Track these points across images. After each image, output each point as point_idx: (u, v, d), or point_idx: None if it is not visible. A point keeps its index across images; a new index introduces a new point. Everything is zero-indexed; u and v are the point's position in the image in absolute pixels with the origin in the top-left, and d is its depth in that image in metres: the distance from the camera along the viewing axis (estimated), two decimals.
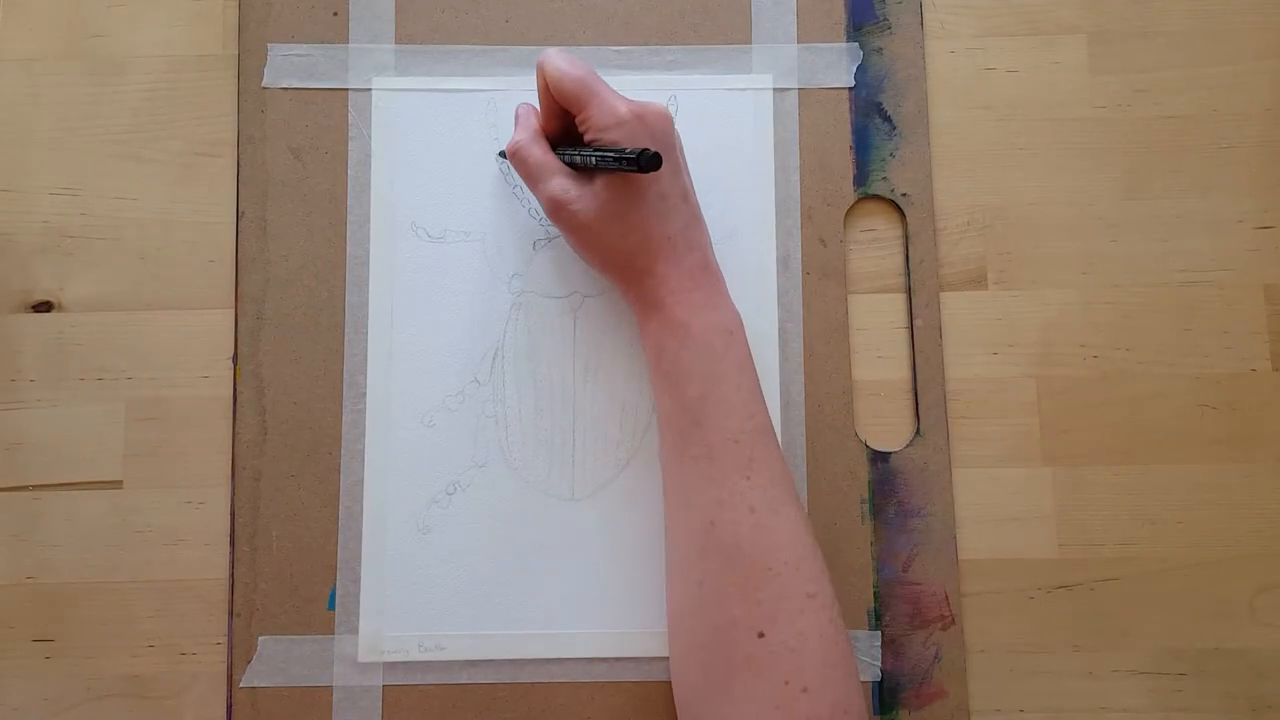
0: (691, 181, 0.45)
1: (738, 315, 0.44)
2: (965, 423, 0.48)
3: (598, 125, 0.42)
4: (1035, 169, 0.50)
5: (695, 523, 0.41)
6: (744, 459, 0.41)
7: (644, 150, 0.39)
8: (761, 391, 0.43)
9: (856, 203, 0.50)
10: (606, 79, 0.50)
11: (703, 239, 0.44)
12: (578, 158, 0.43)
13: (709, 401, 0.42)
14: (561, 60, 0.43)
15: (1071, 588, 0.48)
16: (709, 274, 0.44)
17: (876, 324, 0.49)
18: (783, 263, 0.49)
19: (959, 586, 0.47)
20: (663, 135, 0.42)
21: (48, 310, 0.49)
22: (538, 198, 0.44)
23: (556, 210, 0.43)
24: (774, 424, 0.48)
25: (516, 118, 0.46)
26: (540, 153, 0.44)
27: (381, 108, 0.50)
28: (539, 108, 0.45)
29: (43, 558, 0.48)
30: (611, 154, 0.40)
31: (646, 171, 0.39)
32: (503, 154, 0.49)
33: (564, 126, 0.45)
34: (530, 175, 0.44)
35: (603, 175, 0.42)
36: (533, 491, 0.48)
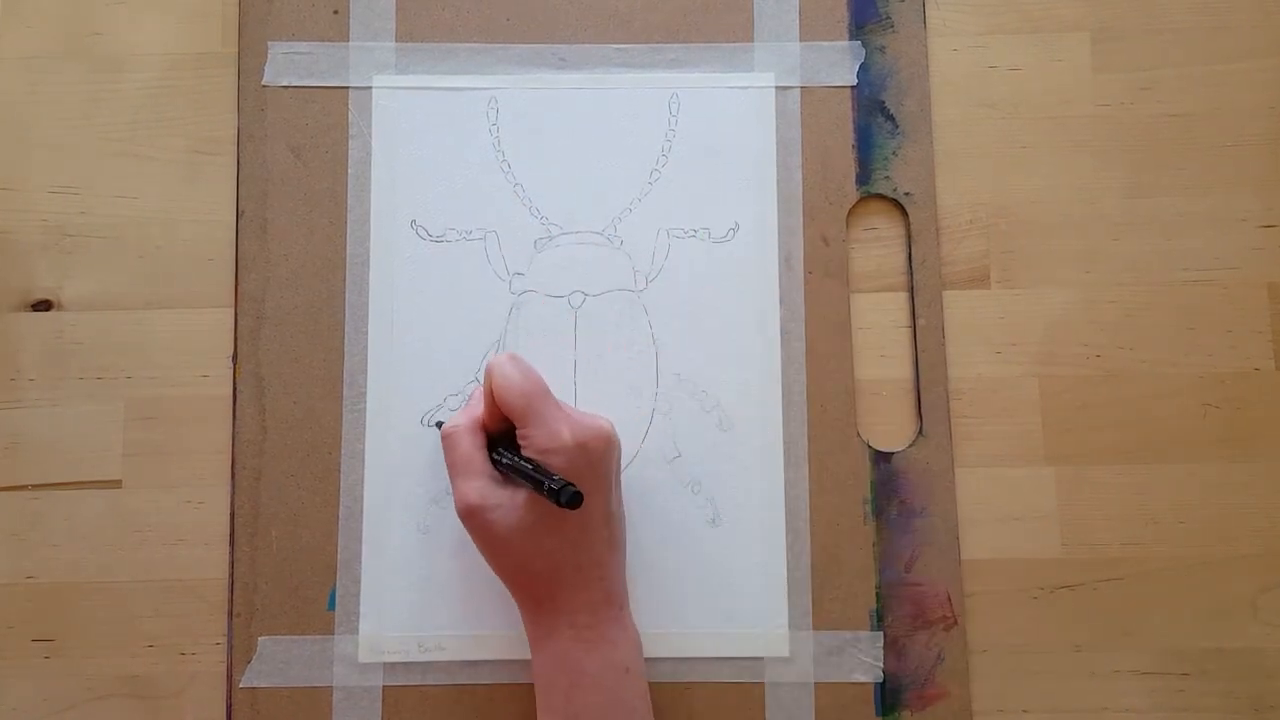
0: (620, 495, 0.43)
1: (637, 646, 0.42)
2: (968, 422, 0.48)
3: (538, 446, 0.40)
4: (1038, 167, 0.50)
5: None
6: None
7: (566, 485, 0.37)
8: None
9: (859, 201, 0.49)
10: (608, 77, 0.50)
11: (614, 565, 0.42)
12: (505, 464, 0.41)
13: None
14: (511, 369, 0.41)
15: (1074, 588, 0.47)
16: (610, 606, 0.42)
17: (879, 323, 0.49)
18: (785, 262, 0.49)
19: (961, 586, 0.47)
20: (601, 462, 0.41)
21: (47, 309, 0.49)
22: (454, 490, 0.42)
23: (470, 513, 0.41)
24: (776, 424, 0.48)
25: (469, 399, 0.45)
26: (470, 448, 0.42)
27: (382, 106, 0.49)
28: (484, 400, 0.43)
29: (42, 557, 0.48)
30: (539, 477, 0.39)
31: (565, 507, 0.38)
32: (439, 424, 0.46)
33: (508, 427, 0.42)
34: (454, 466, 0.42)
35: (526, 490, 0.40)
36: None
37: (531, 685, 0.46)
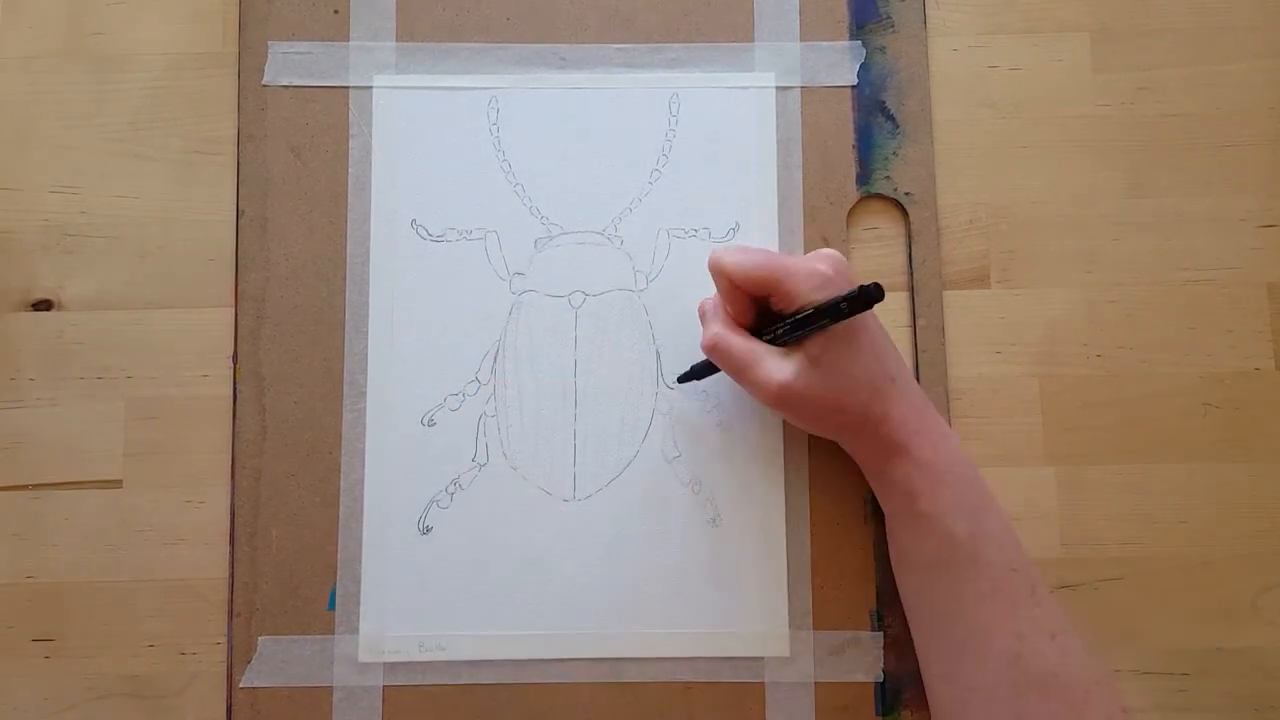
0: None
1: (954, 432, 0.44)
2: (968, 422, 0.48)
3: (803, 291, 0.41)
4: (1038, 167, 0.50)
5: (996, 660, 0.40)
6: (1027, 586, 0.41)
7: (864, 286, 0.38)
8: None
9: (859, 201, 0.49)
10: (608, 77, 0.50)
11: (907, 370, 0.44)
12: (795, 330, 0.41)
13: (980, 534, 0.41)
14: (736, 254, 0.42)
15: (1074, 587, 0.47)
16: (930, 405, 0.43)
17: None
18: None
19: None
20: (850, 273, 0.43)
21: (47, 309, 0.49)
22: (750, 387, 0.43)
23: (782, 392, 0.41)
24: (776, 424, 0.48)
25: (702, 314, 0.45)
26: (743, 340, 0.43)
27: (382, 106, 0.49)
28: (722, 304, 0.44)
29: (42, 557, 0.48)
30: (832, 306, 0.39)
31: (875, 302, 0.39)
32: (683, 378, 0.47)
33: (755, 314, 0.44)
34: (736, 365, 0.43)
35: (810, 342, 0.41)
36: (533, 491, 0.47)
37: (533, 685, 0.46)
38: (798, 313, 0.41)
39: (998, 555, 0.41)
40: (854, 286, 0.40)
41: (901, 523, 0.43)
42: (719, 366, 0.44)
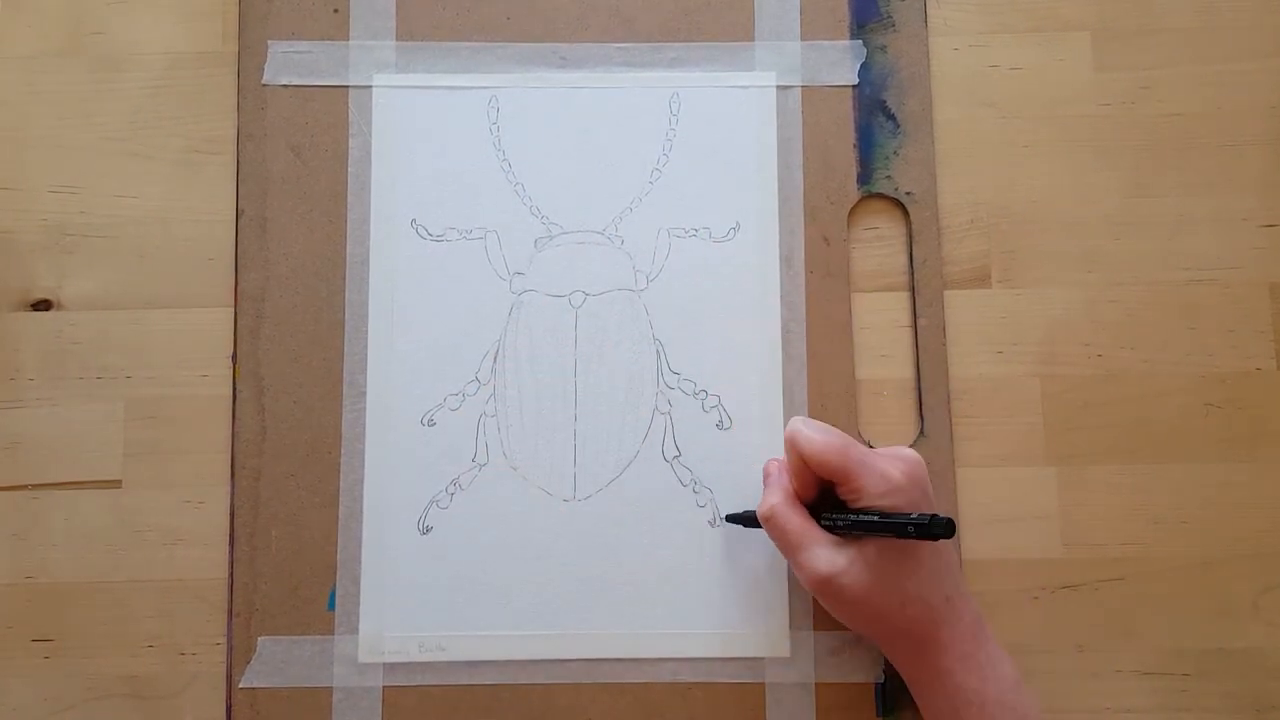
0: None
1: (1013, 662, 0.42)
2: (969, 422, 0.48)
3: (872, 494, 0.40)
4: (1039, 167, 0.50)
5: None
6: None
7: (935, 517, 0.37)
8: None
9: (860, 201, 0.49)
10: (609, 76, 0.50)
11: (966, 587, 0.42)
12: (854, 527, 0.40)
13: None
14: (814, 431, 0.41)
15: (1076, 587, 0.47)
16: (985, 629, 0.42)
17: (880, 323, 0.49)
18: (786, 261, 0.49)
19: None
20: (929, 488, 0.41)
21: (47, 309, 0.49)
22: (797, 568, 0.42)
23: (825, 584, 0.40)
24: (776, 424, 0.48)
25: (766, 477, 0.44)
26: (800, 520, 0.41)
27: (382, 105, 0.49)
28: (789, 473, 0.43)
29: (42, 557, 0.48)
30: (897, 522, 0.38)
31: (938, 539, 0.38)
32: (731, 518, 0.46)
33: (820, 491, 0.43)
34: (789, 544, 0.42)
35: (872, 541, 0.40)
36: (533, 491, 0.47)
37: (533, 686, 0.46)
38: (861, 512, 0.40)
39: None
40: (927, 503, 0.40)
41: None
42: (770, 538, 0.43)
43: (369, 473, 0.47)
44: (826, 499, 0.43)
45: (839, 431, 0.42)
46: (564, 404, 0.48)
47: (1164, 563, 0.47)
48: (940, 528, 0.37)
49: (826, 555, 0.40)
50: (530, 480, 0.47)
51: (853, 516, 0.40)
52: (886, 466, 0.40)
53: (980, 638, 0.41)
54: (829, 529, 0.41)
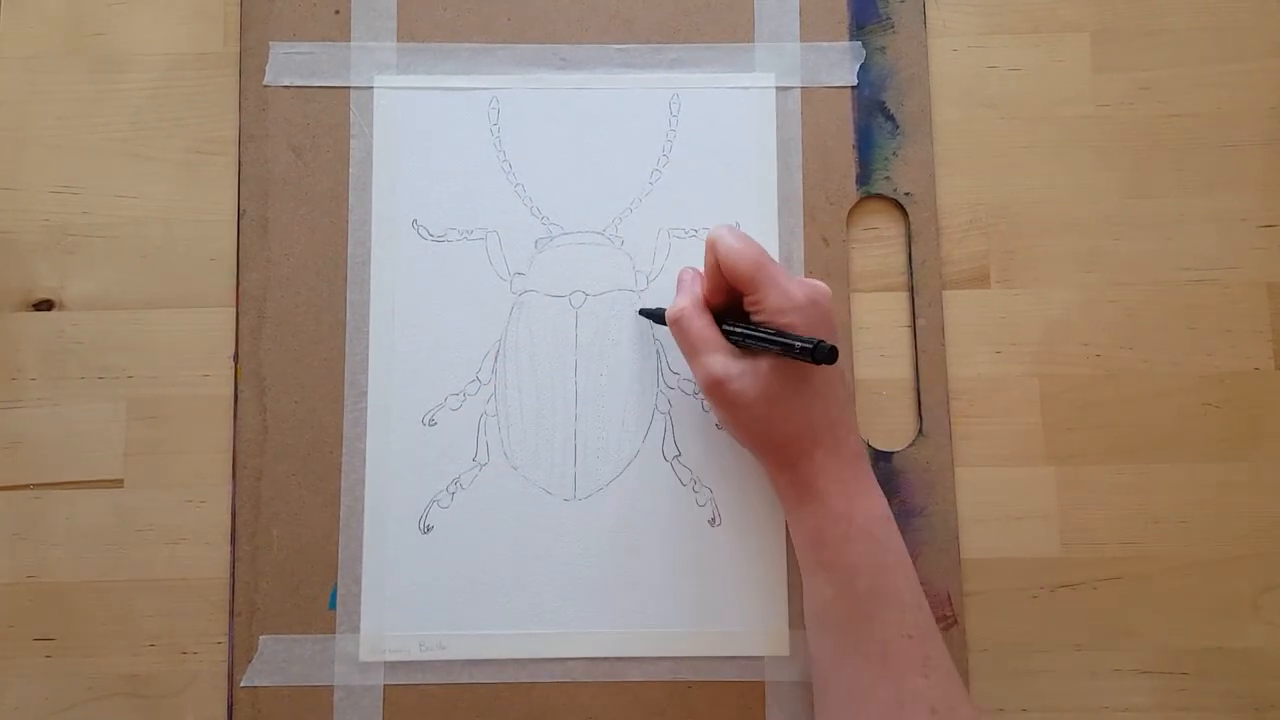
0: None
1: (886, 502, 0.43)
2: (968, 422, 0.48)
3: (772, 309, 0.41)
4: (1038, 167, 0.50)
5: None
6: (919, 656, 0.40)
7: (820, 343, 0.38)
8: (918, 581, 0.42)
9: (859, 202, 0.49)
10: (608, 77, 0.50)
11: (854, 420, 0.43)
12: (747, 339, 0.41)
13: (879, 595, 0.40)
14: (734, 239, 0.42)
15: (1074, 587, 0.47)
16: (863, 461, 0.43)
17: (879, 323, 0.49)
18: (785, 262, 0.49)
19: (961, 586, 0.47)
20: (830, 315, 0.42)
21: (48, 309, 0.49)
22: (694, 370, 0.43)
23: (715, 387, 0.41)
24: None
25: (680, 282, 0.45)
26: (703, 325, 0.43)
27: (383, 106, 0.50)
28: (704, 278, 0.44)
29: (43, 557, 0.48)
30: (784, 341, 0.39)
31: (820, 364, 0.38)
32: (644, 312, 0.48)
33: (729, 300, 0.44)
34: (690, 346, 0.43)
35: (768, 356, 0.41)
36: (534, 491, 0.47)
37: (533, 685, 0.46)
38: (758, 326, 0.42)
39: (894, 619, 0.40)
40: (826, 330, 0.41)
41: (807, 568, 0.43)
42: (675, 339, 0.44)
43: (370, 472, 0.47)
44: (734, 311, 0.44)
45: (759, 245, 0.42)
46: (564, 404, 0.48)
47: (1163, 562, 0.48)
48: (824, 353, 0.38)
49: (722, 361, 0.41)
50: (531, 480, 0.48)
51: (749, 329, 0.42)
52: (791, 285, 0.41)
53: (856, 468, 0.42)
54: (727, 335, 0.42)
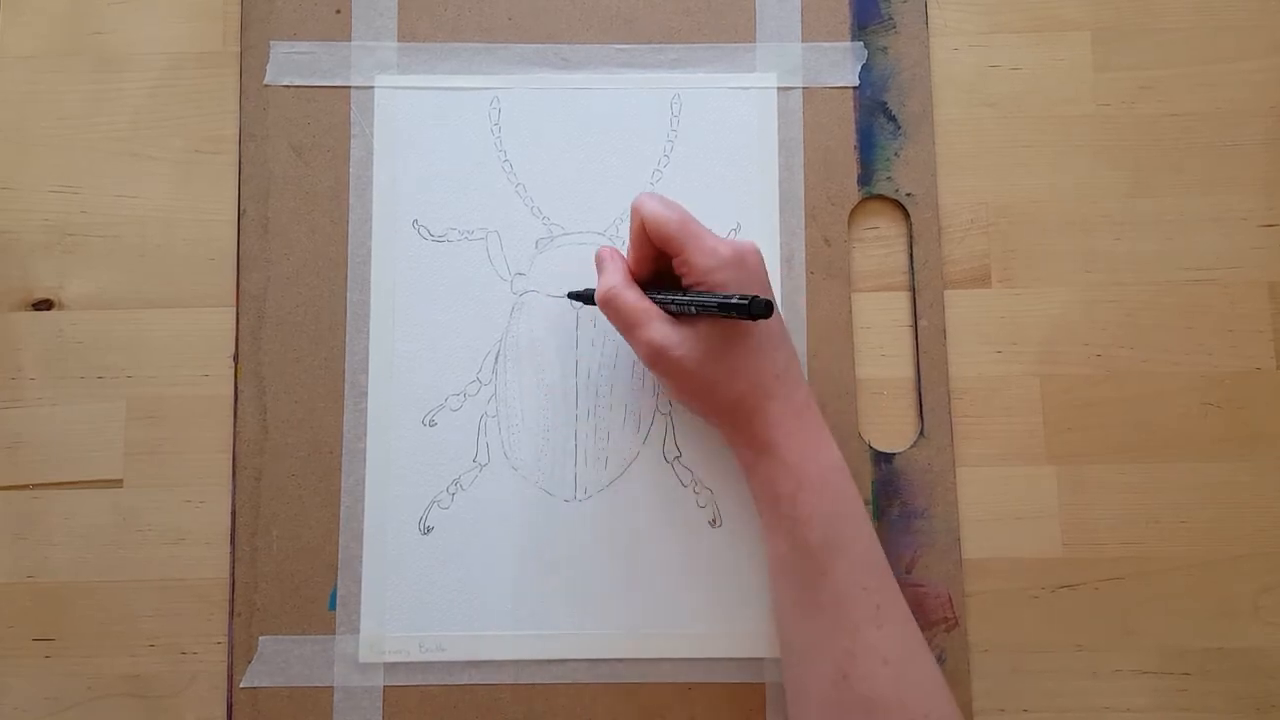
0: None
1: (839, 451, 0.43)
2: (969, 422, 0.48)
3: (700, 268, 0.41)
4: (1039, 167, 0.50)
5: (826, 676, 0.40)
6: (873, 606, 0.40)
7: (755, 298, 0.38)
8: (875, 532, 0.42)
9: (861, 202, 0.49)
10: (609, 77, 0.50)
11: (801, 372, 0.43)
12: (678, 305, 0.41)
13: (833, 547, 0.40)
14: (658, 204, 0.42)
15: (1075, 587, 0.47)
16: (813, 410, 0.43)
17: (880, 323, 0.49)
18: (786, 262, 0.49)
19: (962, 587, 0.47)
20: (759, 271, 0.42)
21: (48, 308, 0.49)
22: (634, 345, 0.43)
23: (657, 358, 0.41)
24: None
25: (600, 262, 0.45)
26: (634, 298, 0.42)
27: (384, 105, 0.49)
28: (628, 251, 0.44)
29: (43, 557, 0.48)
30: (719, 299, 0.39)
31: (757, 319, 0.38)
32: (574, 295, 0.47)
33: (656, 270, 0.44)
34: (625, 322, 0.42)
35: (705, 319, 0.41)
36: (534, 491, 0.47)
37: (533, 686, 0.46)
38: (687, 290, 0.41)
39: (848, 571, 0.40)
40: (756, 283, 0.41)
41: (766, 526, 0.43)
42: (610, 321, 0.44)
43: (370, 473, 0.47)
44: (661, 280, 0.44)
45: (685, 209, 0.42)
46: (565, 404, 0.48)
47: (1164, 562, 0.48)
48: (759, 308, 0.38)
49: (661, 329, 0.41)
50: (531, 480, 0.48)
51: (678, 296, 0.41)
52: (716, 242, 0.41)
53: (806, 417, 0.42)
54: (659, 304, 0.42)
